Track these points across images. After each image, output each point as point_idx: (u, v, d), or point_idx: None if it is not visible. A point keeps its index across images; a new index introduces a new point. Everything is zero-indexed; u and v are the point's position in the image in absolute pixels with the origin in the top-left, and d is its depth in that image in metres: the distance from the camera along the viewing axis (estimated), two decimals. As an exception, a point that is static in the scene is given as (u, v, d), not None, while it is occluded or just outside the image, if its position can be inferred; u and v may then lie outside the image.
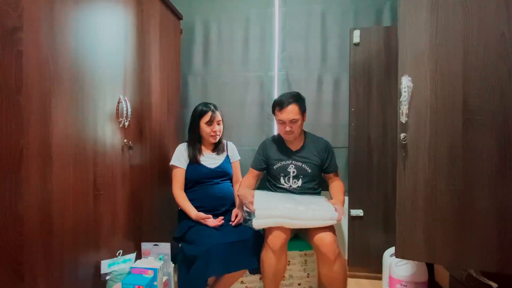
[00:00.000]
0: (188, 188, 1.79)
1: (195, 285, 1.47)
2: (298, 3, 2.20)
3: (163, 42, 1.89)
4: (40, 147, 0.98)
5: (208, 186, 1.77)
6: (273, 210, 1.49)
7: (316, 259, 1.59)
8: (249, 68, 2.25)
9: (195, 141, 1.81)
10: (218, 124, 1.80)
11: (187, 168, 1.78)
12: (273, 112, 1.79)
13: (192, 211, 1.69)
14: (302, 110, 1.75)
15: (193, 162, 1.78)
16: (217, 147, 1.87)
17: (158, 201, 1.86)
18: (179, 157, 1.79)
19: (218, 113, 1.79)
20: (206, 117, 1.76)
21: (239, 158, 1.96)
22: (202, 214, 1.66)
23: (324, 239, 1.49)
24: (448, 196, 1.18)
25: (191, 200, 1.75)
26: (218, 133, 1.80)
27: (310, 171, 1.78)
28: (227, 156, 1.88)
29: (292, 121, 1.71)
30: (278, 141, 1.88)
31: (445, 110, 1.18)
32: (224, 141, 1.92)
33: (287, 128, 1.72)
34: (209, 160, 1.82)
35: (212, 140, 1.81)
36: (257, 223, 1.49)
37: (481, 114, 1.13)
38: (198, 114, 1.79)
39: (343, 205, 1.65)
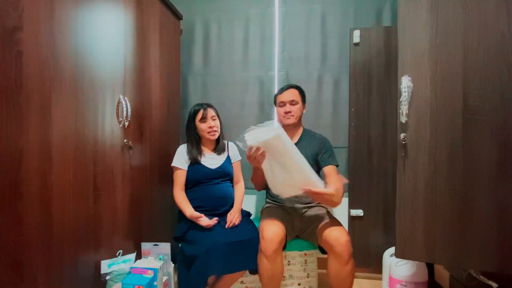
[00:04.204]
0: (189, 188, 1.78)
1: (195, 285, 1.47)
2: (298, 3, 2.20)
3: (163, 42, 1.88)
4: (40, 147, 0.98)
5: (208, 186, 1.77)
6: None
7: (328, 259, 1.54)
8: (249, 68, 2.25)
9: (194, 141, 1.81)
10: (214, 119, 1.79)
11: (188, 169, 1.78)
12: (275, 103, 1.84)
13: (188, 210, 1.66)
14: (302, 97, 1.80)
15: (194, 163, 1.77)
16: (218, 147, 1.86)
17: (158, 201, 1.86)
18: (180, 158, 1.78)
19: (210, 109, 1.80)
20: (199, 115, 1.77)
21: (240, 158, 1.95)
22: (196, 213, 1.64)
23: (340, 239, 1.47)
24: (448, 196, 1.18)
25: (191, 200, 1.74)
26: (215, 128, 1.79)
27: None
28: (228, 156, 1.88)
29: (292, 102, 1.75)
30: None
31: (445, 110, 1.18)
32: (225, 141, 1.92)
33: (287, 108, 1.75)
34: (210, 160, 1.81)
35: (211, 137, 1.80)
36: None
37: (481, 114, 1.13)
38: (192, 115, 1.81)
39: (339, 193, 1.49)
